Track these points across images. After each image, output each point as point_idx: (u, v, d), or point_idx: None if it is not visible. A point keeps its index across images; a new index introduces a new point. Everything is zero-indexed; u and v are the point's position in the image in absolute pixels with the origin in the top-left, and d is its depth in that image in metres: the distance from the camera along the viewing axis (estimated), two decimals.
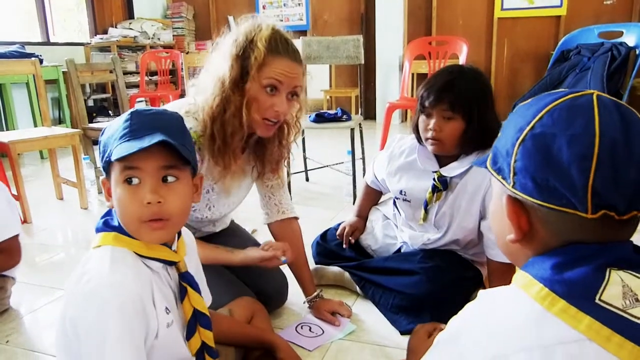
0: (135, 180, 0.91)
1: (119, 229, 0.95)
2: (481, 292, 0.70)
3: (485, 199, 1.59)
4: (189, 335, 1.01)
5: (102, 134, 0.97)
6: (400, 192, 1.76)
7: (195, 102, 1.45)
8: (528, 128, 0.65)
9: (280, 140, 1.56)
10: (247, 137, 1.49)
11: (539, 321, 0.59)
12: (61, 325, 0.89)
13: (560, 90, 0.68)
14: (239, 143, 1.44)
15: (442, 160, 1.65)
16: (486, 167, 0.74)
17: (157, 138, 0.87)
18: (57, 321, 0.92)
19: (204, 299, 1.07)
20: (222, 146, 1.40)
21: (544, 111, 0.65)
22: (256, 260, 1.53)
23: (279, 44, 1.38)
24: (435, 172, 1.64)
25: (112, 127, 0.95)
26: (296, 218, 1.73)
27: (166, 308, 0.95)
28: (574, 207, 0.61)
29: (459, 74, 1.55)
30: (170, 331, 0.95)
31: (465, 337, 0.66)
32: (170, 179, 0.93)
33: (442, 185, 1.63)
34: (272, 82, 1.37)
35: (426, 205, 1.68)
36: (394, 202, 1.88)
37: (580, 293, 0.59)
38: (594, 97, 0.64)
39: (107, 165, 0.94)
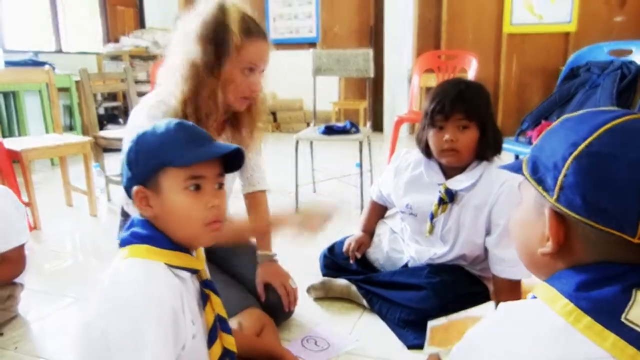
0: (195, 187, 0.95)
1: (151, 240, 0.95)
2: (502, 305, 0.69)
3: (491, 215, 1.59)
4: (210, 344, 1.02)
5: (136, 143, 0.95)
6: (407, 206, 1.77)
7: (165, 86, 1.47)
8: (584, 144, 0.63)
9: (250, 110, 1.60)
10: (224, 119, 1.55)
11: (564, 337, 0.59)
12: (87, 336, 0.89)
13: (613, 108, 0.67)
14: (214, 124, 1.48)
15: (448, 172, 1.67)
16: (522, 174, 0.72)
17: (231, 147, 0.97)
18: (81, 333, 0.91)
19: None
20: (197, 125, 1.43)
21: (602, 129, 0.63)
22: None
23: (250, 26, 1.43)
24: (442, 184, 1.65)
25: (154, 136, 0.95)
26: (263, 191, 1.80)
27: (192, 320, 0.96)
28: (621, 229, 0.61)
29: (465, 85, 1.60)
30: (195, 342, 0.96)
31: (485, 349, 0.66)
32: (219, 185, 1.00)
33: (449, 198, 1.64)
34: (251, 65, 1.44)
35: (432, 218, 1.69)
36: (399, 215, 1.89)
37: (606, 311, 0.59)
38: None
39: (151, 174, 0.94)
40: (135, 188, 0.95)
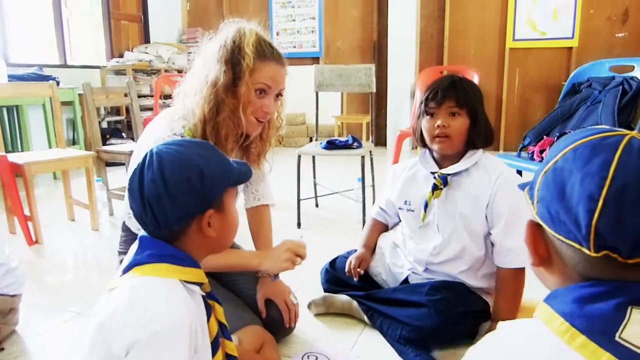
0: None
1: (173, 259, 0.94)
2: (501, 324, 0.71)
3: (493, 207, 1.63)
4: (213, 352, 1.01)
5: (200, 169, 0.93)
6: (405, 202, 1.81)
7: (185, 106, 1.49)
8: (553, 160, 0.68)
9: (262, 135, 1.64)
10: (240, 139, 1.56)
11: (558, 355, 0.60)
12: (105, 350, 0.87)
13: (601, 127, 0.69)
14: (234, 145, 1.52)
15: (442, 163, 1.72)
16: (523, 191, 0.76)
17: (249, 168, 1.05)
18: (93, 344, 0.90)
19: None
20: (216, 146, 1.43)
21: (571, 146, 0.67)
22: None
23: (265, 49, 1.46)
24: (436, 172, 1.70)
25: (215, 159, 0.97)
26: (268, 205, 1.82)
27: (203, 336, 0.96)
28: (579, 243, 0.63)
29: (459, 77, 1.68)
30: (197, 356, 0.95)
31: None
32: None
33: (442, 182, 1.68)
34: (262, 86, 1.46)
35: (426, 206, 1.72)
36: (401, 228, 1.90)
37: (600, 329, 0.59)
38: (626, 138, 0.64)
39: (222, 195, 0.97)
40: (209, 212, 0.95)
